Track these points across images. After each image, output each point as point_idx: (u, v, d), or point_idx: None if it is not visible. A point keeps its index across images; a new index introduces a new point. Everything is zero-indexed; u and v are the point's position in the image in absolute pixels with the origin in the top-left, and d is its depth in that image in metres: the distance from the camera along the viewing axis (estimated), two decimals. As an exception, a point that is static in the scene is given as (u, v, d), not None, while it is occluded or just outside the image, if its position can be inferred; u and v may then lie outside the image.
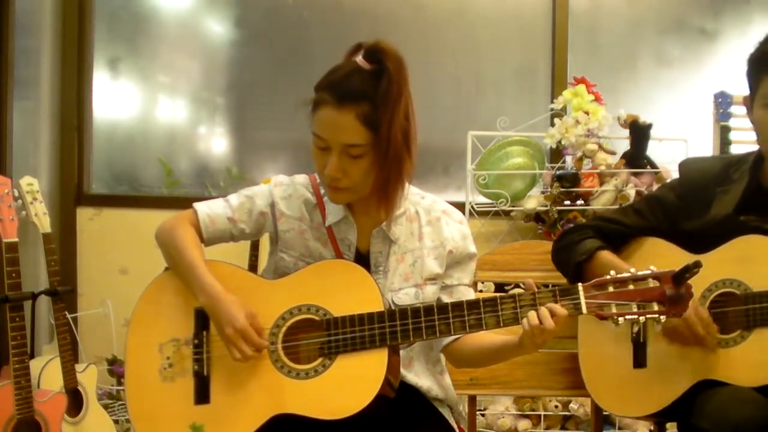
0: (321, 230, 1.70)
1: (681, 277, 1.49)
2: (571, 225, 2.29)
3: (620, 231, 1.97)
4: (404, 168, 1.59)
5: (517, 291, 1.55)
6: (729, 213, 1.87)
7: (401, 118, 1.54)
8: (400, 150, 1.56)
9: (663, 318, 1.49)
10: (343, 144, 1.54)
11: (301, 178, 1.76)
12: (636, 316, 1.49)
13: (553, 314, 1.49)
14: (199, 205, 1.73)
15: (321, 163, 1.59)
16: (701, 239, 1.86)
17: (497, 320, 1.53)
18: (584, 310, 1.50)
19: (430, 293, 1.69)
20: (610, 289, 1.51)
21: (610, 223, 1.99)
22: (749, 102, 1.90)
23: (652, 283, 1.50)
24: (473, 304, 1.54)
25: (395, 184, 1.61)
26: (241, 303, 1.57)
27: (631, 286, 1.50)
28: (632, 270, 1.52)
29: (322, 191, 1.71)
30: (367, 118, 1.52)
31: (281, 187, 1.73)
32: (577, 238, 1.96)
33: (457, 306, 1.55)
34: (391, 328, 1.54)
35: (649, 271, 1.51)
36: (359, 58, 1.57)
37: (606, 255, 1.91)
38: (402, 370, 1.68)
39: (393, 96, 1.52)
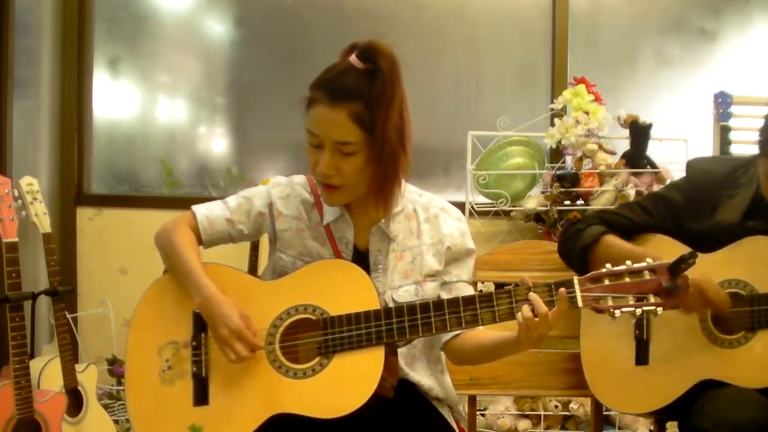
0: (319, 229, 1.70)
1: (677, 268, 1.48)
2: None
3: (625, 225, 1.96)
4: (400, 166, 1.60)
5: (513, 288, 1.54)
6: (736, 220, 1.87)
7: (395, 116, 1.55)
8: (395, 148, 1.57)
9: (660, 310, 1.49)
10: (335, 141, 1.55)
11: (299, 179, 1.77)
12: (633, 309, 1.49)
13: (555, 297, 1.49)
14: (197, 208, 1.74)
15: (314, 159, 1.59)
16: (707, 241, 1.86)
17: (493, 315, 1.53)
18: (580, 303, 1.50)
19: (429, 290, 1.69)
20: (606, 282, 1.50)
21: (616, 216, 1.99)
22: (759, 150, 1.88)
23: (649, 275, 1.50)
24: (469, 300, 1.54)
25: (392, 182, 1.62)
26: (235, 304, 1.58)
27: (627, 279, 1.50)
28: (628, 262, 1.52)
29: (320, 190, 1.72)
30: (359, 116, 1.53)
31: (279, 188, 1.74)
32: (583, 226, 1.96)
33: (453, 302, 1.55)
34: (388, 326, 1.54)
35: (645, 264, 1.50)
36: (353, 57, 1.58)
37: (612, 238, 1.91)
38: (405, 368, 1.68)
39: (387, 95, 1.54)
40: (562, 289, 1.49)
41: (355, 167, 1.57)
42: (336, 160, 1.56)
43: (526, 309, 1.49)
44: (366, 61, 1.56)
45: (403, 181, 1.69)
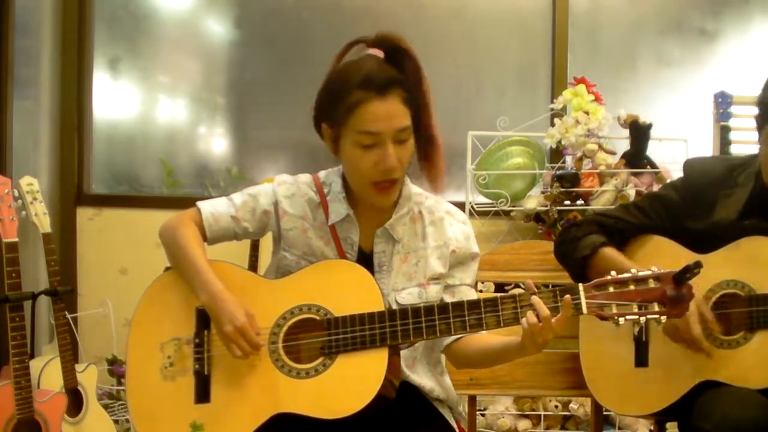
0: (324, 229, 1.70)
1: (682, 277, 1.49)
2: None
3: (623, 228, 1.96)
4: (438, 136, 1.67)
5: (517, 291, 1.55)
6: (733, 218, 1.87)
7: (429, 91, 1.63)
8: (434, 121, 1.64)
9: (663, 318, 1.49)
10: (396, 130, 1.57)
11: (305, 177, 1.77)
12: (636, 317, 1.49)
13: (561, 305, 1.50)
14: (202, 204, 1.73)
15: (370, 160, 1.58)
16: (705, 241, 1.86)
17: (498, 320, 1.53)
18: (585, 310, 1.50)
19: (433, 293, 1.69)
20: (611, 289, 1.51)
21: (613, 219, 1.98)
22: (759, 126, 1.88)
23: (653, 284, 1.50)
24: (474, 304, 1.54)
25: (440, 152, 1.67)
26: (241, 301, 1.58)
27: (631, 287, 1.50)
28: (633, 270, 1.52)
29: (326, 190, 1.72)
30: (406, 100, 1.58)
31: (285, 186, 1.74)
32: (581, 233, 1.96)
33: (458, 306, 1.55)
34: (392, 328, 1.54)
35: (649, 272, 1.51)
36: (373, 50, 1.61)
37: (610, 251, 1.91)
38: (406, 371, 1.68)
39: (421, 73, 1.61)
40: (567, 296, 1.49)
41: (409, 153, 1.62)
42: (397, 149, 1.58)
43: (530, 315, 1.49)
44: (386, 50, 1.61)
45: (408, 182, 1.71)
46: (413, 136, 1.61)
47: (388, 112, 1.55)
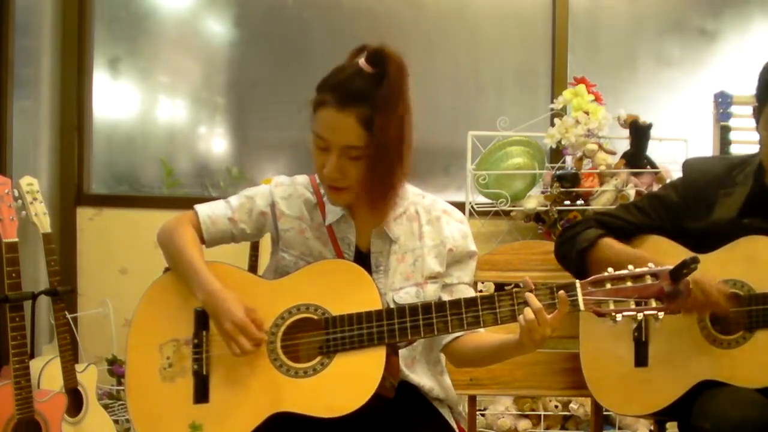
0: (321, 230, 1.70)
1: (678, 273, 1.48)
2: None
3: (622, 227, 1.96)
4: (395, 172, 1.59)
5: (515, 290, 1.55)
6: (732, 217, 1.87)
7: (396, 123, 1.55)
8: (392, 154, 1.57)
9: (661, 315, 1.49)
10: (343, 145, 1.55)
11: (302, 179, 1.77)
12: (634, 313, 1.49)
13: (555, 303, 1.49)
14: (199, 207, 1.74)
15: (320, 162, 1.60)
16: (704, 240, 1.86)
17: (495, 317, 1.53)
18: (582, 306, 1.50)
19: (431, 292, 1.69)
20: (608, 286, 1.51)
21: (612, 219, 1.98)
22: (757, 113, 1.88)
23: (650, 280, 1.50)
24: (471, 302, 1.54)
25: (384, 186, 1.61)
26: (239, 298, 1.58)
27: (629, 283, 1.50)
28: (630, 267, 1.52)
29: (322, 191, 1.72)
30: (366, 120, 1.53)
31: (281, 187, 1.74)
32: (580, 229, 1.96)
33: (455, 304, 1.55)
34: (389, 326, 1.54)
35: (646, 268, 1.51)
36: (361, 61, 1.58)
37: (609, 240, 1.90)
38: (405, 370, 1.68)
39: (392, 101, 1.54)
40: (562, 292, 1.49)
41: (361, 171, 1.58)
42: (343, 164, 1.57)
43: (527, 311, 1.49)
44: (375, 65, 1.56)
45: (397, 187, 1.69)
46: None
47: (339, 126, 1.54)
